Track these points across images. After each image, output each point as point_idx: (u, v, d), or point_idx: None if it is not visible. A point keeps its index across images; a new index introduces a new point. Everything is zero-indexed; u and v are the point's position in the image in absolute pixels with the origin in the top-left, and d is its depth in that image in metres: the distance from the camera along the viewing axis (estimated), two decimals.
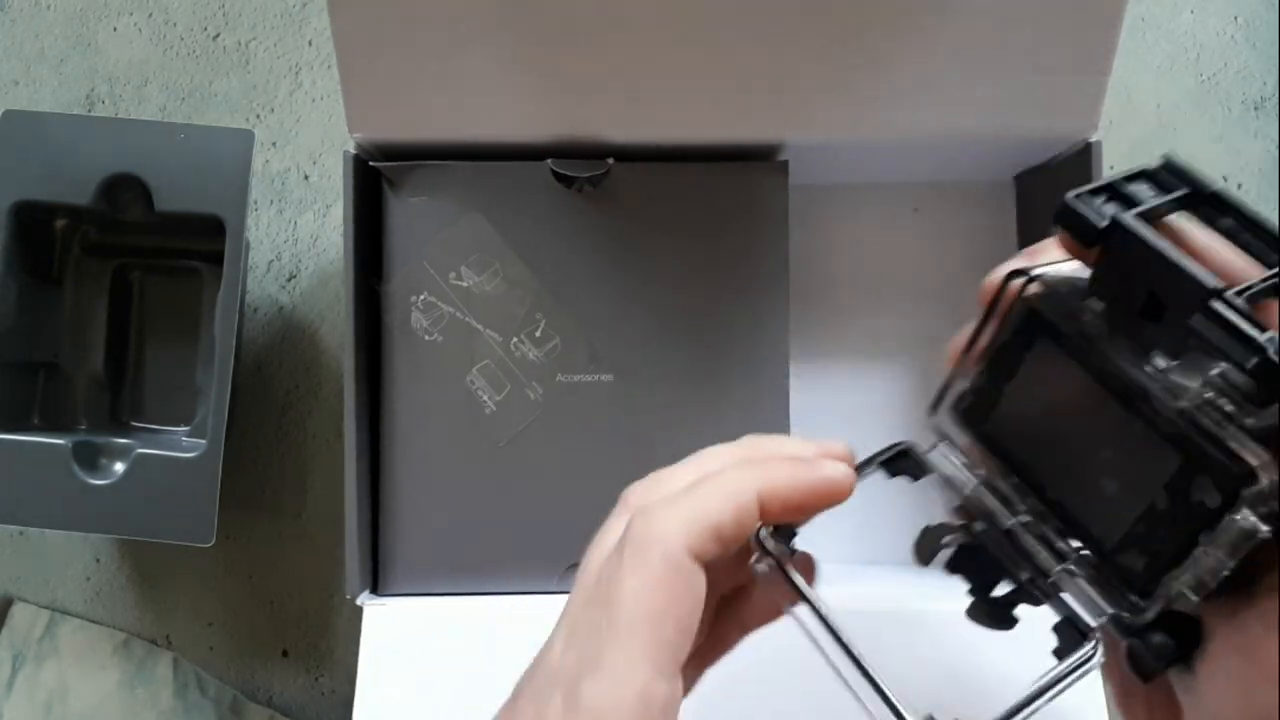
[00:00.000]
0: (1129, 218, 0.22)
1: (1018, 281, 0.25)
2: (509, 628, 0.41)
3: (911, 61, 0.41)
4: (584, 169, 0.44)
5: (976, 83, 0.42)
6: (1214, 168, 0.55)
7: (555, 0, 0.40)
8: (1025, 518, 0.26)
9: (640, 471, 0.30)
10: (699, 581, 0.25)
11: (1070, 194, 0.23)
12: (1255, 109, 0.55)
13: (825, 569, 0.50)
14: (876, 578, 0.49)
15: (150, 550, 0.54)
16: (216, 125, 0.54)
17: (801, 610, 0.27)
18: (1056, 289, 0.25)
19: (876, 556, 0.51)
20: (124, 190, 0.47)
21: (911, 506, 0.51)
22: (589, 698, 0.24)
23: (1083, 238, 0.23)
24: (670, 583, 0.25)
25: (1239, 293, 0.21)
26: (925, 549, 0.28)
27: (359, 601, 0.43)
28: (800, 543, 0.29)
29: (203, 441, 0.46)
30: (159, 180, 0.47)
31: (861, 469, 0.28)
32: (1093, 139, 0.44)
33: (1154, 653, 0.23)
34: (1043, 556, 0.26)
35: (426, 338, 0.45)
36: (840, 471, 0.27)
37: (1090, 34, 0.41)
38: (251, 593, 0.54)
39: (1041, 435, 0.26)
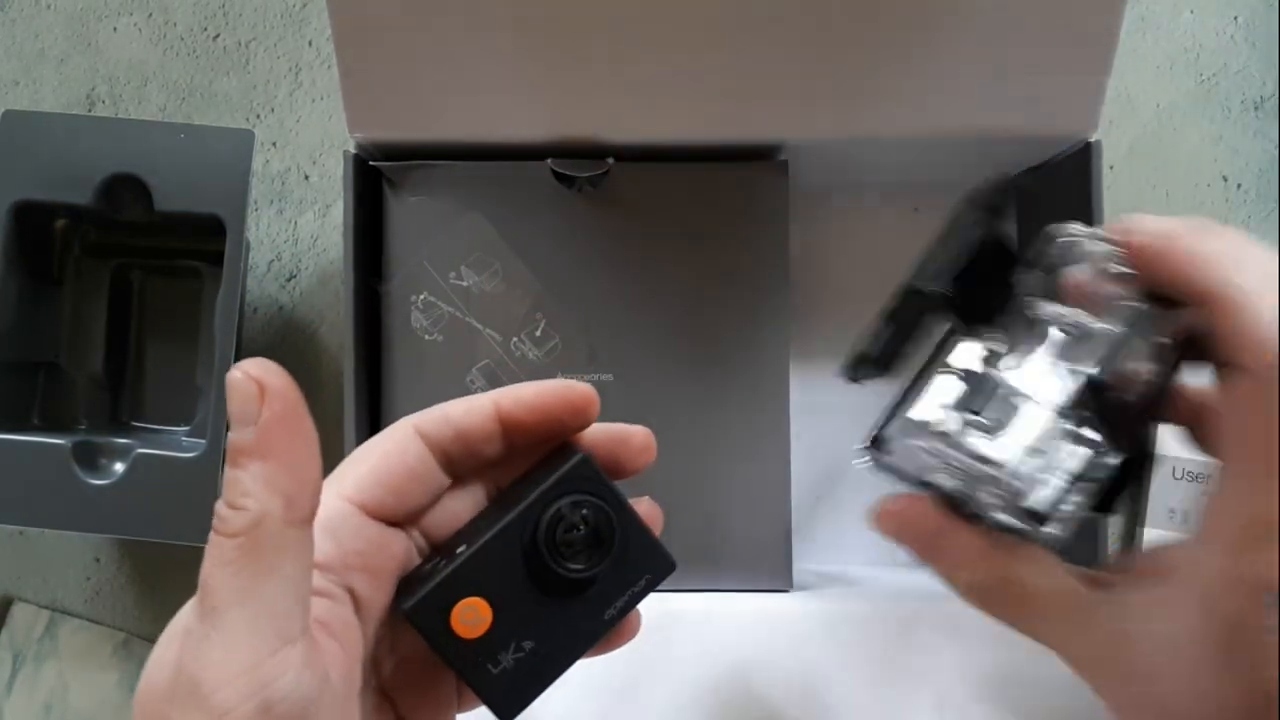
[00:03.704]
0: None
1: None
2: None
3: (911, 61, 0.41)
4: (584, 169, 0.44)
5: (976, 83, 0.42)
6: (1214, 168, 0.55)
7: (555, 1, 0.40)
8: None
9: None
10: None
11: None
12: (1255, 109, 0.55)
13: (825, 570, 0.50)
14: (877, 578, 0.49)
15: (150, 550, 0.54)
16: (216, 125, 0.54)
17: None
18: None
19: (876, 558, 0.51)
20: (124, 190, 0.47)
21: None
22: (199, 686, 0.21)
23: None
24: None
25: None
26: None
27: None
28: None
29: (203, 441, 0.46)
30: (159, 180, 0.47)
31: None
32: (1093, 139, 0.44)
33: None
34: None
35: (427, 337, 0.45)
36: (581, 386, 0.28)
37: (1090, 34, 0.41)
38: None
39: None
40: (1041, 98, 0.42)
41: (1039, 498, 0.26)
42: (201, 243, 0.50)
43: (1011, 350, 0.28)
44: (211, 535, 0.22)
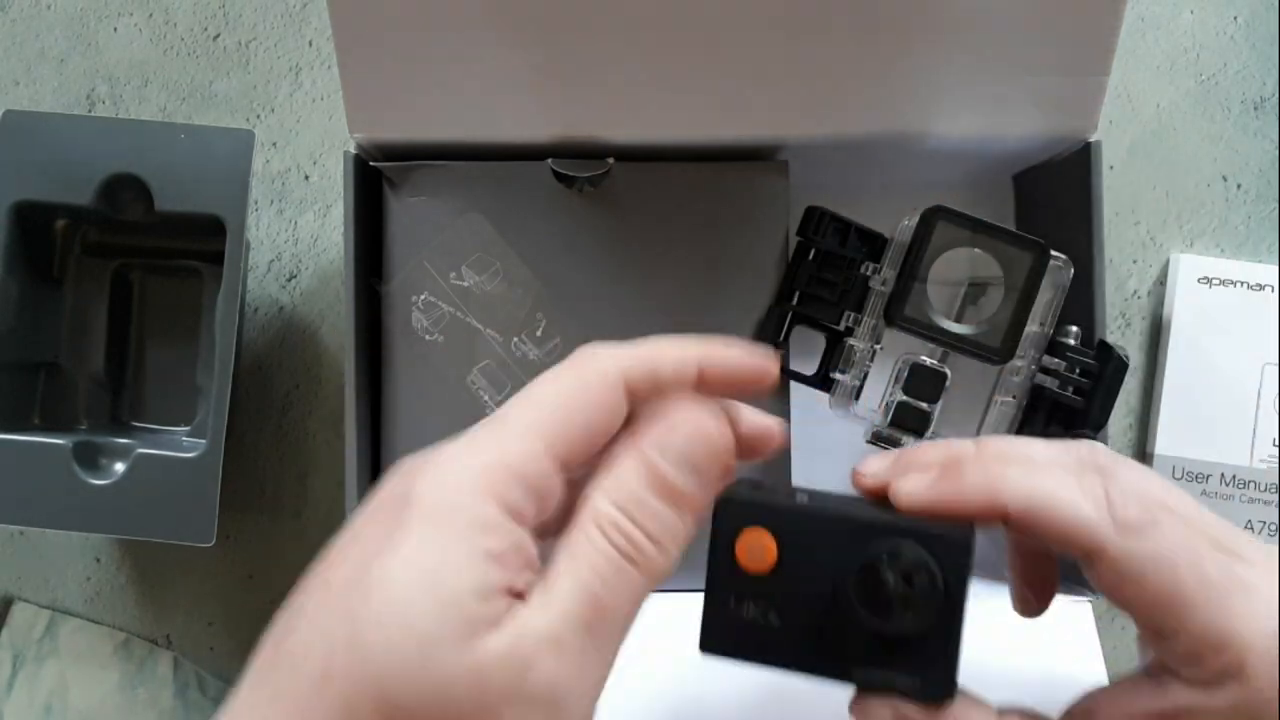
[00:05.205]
0: None
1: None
2: None
3: (911, 62, 0.42)
4: (584, 169, 0.44)
5: (976, 82, 0.42)
6: (1214, 168, 0.55)
7: (556, 1, 0.40)
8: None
9: None
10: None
11: None
12: (1255, 109, 0.55)
13: None
14: None
15: (150, 550, 0.54)
16: (216, 125, 0.54)
17: None
18: None
19: None
20: (124, 190, 0.47)
21: None
22: (375, 577, 0.20)
23: None
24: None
25: None
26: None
27: None
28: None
29: (203, 441, 0.46)
30: (159, 180, 0.47)
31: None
32: (1092, 139, 0.44)
33: None
34: None
35: (427, 337, 0.45)
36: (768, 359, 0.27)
37: (1090, 34, 0.41)
38: (251, 593, 0.54)
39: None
40: (1041, 98, 0.42)
41: (870, 421, 0.45)
42: (201, 243, 0.50)
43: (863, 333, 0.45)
44: (625, 563, 0.22)
